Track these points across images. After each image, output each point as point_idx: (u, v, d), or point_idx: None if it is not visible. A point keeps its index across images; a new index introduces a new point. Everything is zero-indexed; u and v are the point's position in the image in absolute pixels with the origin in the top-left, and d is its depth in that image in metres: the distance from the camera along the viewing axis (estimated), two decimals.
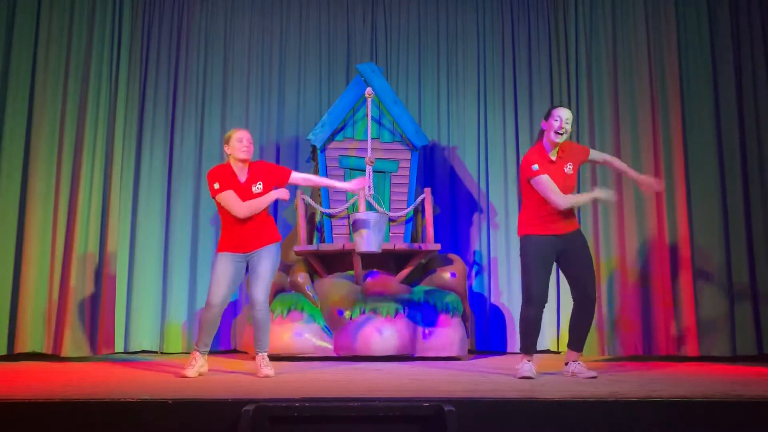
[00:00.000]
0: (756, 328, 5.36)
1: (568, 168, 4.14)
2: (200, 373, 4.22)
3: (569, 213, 4.17)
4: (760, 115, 5.60)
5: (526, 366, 4.04)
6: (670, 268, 5.51)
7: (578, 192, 4.30)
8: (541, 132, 4.21)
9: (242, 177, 4.31)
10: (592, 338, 5.56)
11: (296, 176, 4.50)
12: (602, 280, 5.63)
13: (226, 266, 4.27)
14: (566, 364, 4.21)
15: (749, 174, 5.56)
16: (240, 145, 4.27)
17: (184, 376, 4.11)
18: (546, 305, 4.17)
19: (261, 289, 4.28)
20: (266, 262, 4.30)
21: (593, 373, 4.08)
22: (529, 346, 4.13)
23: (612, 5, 5.97)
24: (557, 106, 4.17)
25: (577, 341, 4.21)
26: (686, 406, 2.95)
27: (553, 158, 4.12)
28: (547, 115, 4.14)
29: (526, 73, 6.62)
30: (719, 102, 5.67)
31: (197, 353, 4.25)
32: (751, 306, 5.39)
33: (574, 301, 4.21)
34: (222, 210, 4.32)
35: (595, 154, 4.35)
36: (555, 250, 4.14)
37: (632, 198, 5.68)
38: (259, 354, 4.32)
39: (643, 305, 5.53)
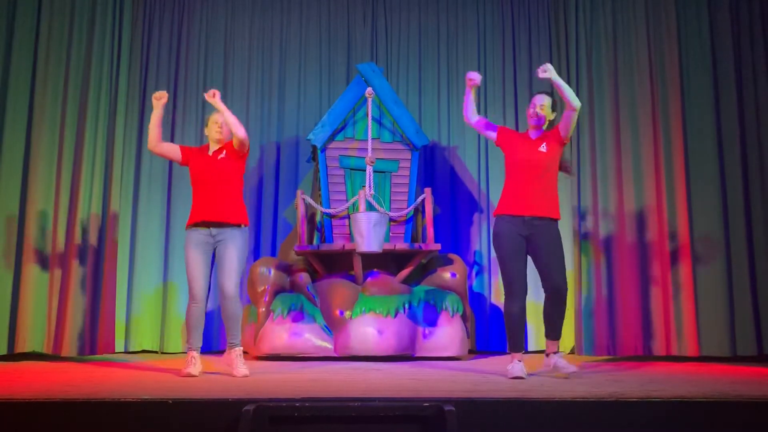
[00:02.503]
0: (756, 328, 5.35)
1: (543, 147, 4.21)
2: (199, 371, 4.21)
3: (543, 196, 4.16)
4: (760, 114, 5.59)
5: (517, 366, 4.02)
6: (671, 268, 5.51)
7: (555, 174, 4.28)
8: None
9: (211, 151, 4.45)
10: (591, 338, 5.58)
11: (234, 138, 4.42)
12: (602, 280, 5.63)
13: (196, 255, 4.27)
14: (547, 355, 4.18)
15: (749, 174, 5.55)
16: (214, 127, 4.44)
17: (190, 375, 4.11)
18: (526, 298, 4.16)
19: (229, 279, 4.25)
20: (231, 250, 4.27)
21: (574, 368, 4.08)
22: (516, 344, 4.11)
23: (612, 5, 5.97)
24: (536, 93, 4.39)
25: (552, 330, 4.18)
26: (686, 406, 2.94)
27: (533, 137, 4.28)
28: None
29: (527, 73, 6.62)
30: (720, 102, 5.66)
31: (193, 351, 4.24)
32: (751, 306, 5.38)
33: (545, 292, 4.19)
34: (191, 182, 4.43)
35: (561, 122, 4.29)
36: (523, 233, 4.13)
37: (632, 198, 5.68)
38: (235, 349, 4.25)
39: (643, 305, 5.53)
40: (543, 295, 4.24)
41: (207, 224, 4.30)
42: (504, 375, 4.07)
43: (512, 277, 4.10)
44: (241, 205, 4.41)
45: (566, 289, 4.17)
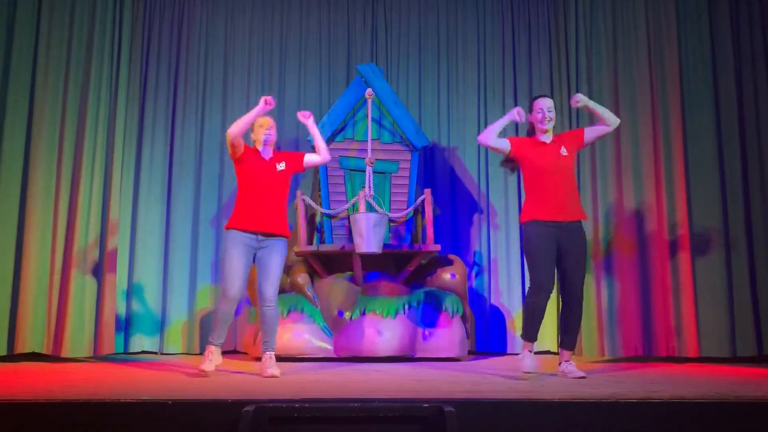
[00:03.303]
0: (756, 329, 5.36)
1: (563, 150, 4.21)
2: (216, 366, 4.25)
3: (571, 200, 4.18)
4: (760, 114, 5.59)
5: (528, 359, 4.05)
6: (671, 268, 5.51)
7: (575, 176, 4.35)
8: (531, 125, 4.36)
9: (266, 156, 4.45)
10: (592, 339, 5.58)
11: (309, 157, 4.59)
12: (602, 280, 5.63)
13: (239, 255, 4.26)
14: (560, 363, 4.24)
15: (750, 174, 5.55)
16: (262, 130, 4.43)
17: (203, 371, 4.13)
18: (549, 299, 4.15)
19: (271, 285, 4.29)
20: (276, 257, 4.32)
21: (582, 374, 4.09)
22: (532, 333, 4.12)
23: (612, 5, 5.98)
24: (537, 98, 4.33)
25: (568, 340, 4.23)
26: (686, 407, 2.94)
27: (547, 141, 4.25)
28: (531, 108, 4.32)
29: (527, 74, 6.62)
30: (719, 101, 5.67)
31: (213, 346, 4.26)
32: (751, 306, 5.39)
33: (562, 298, 4.21)
34: (239, 181, 4.42)
35: (589, 129, 4.35)
36: (556, 238, 4.14)
37: (632, 197, 5.68)
38: (267, 353, 4.31)
39: (643, 306, 5.53)
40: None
41: (255, 232, 4.32)
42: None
43: (543, 276, 4.08)
44: (285, 219, 4.46)
45: (582, 302, 4.20)
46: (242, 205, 4.36)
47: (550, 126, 4.24)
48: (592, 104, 4.26)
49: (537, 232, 4.13)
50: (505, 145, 4.28)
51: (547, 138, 4.26)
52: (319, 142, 4.57)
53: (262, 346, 4.34)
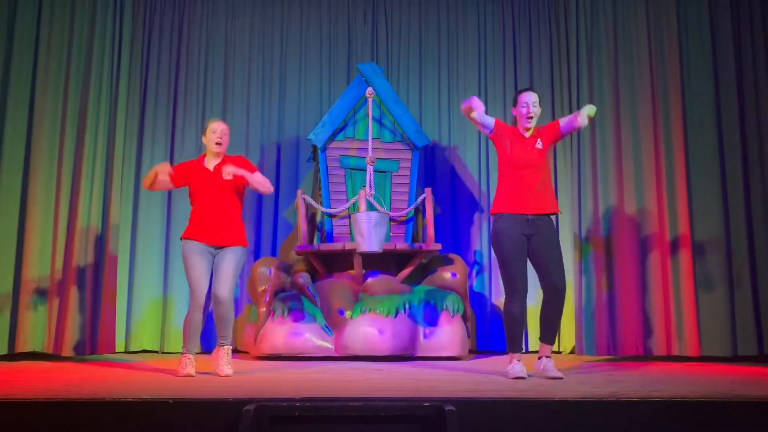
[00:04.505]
0: (757, 328, 5.35)
1: (539, 144, 4.17)
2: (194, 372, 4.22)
3: (541, 193, 4.13)
4: (761, 113, 5.59)
5: (517, 366, 4.01)
6: (671, 268, 5.51)
7: (550, 170, 4.28)
8: (514, 118, 4.31)
9: (211, 165, 4.33)
10: (592, 338, 5.58)
11: (254, 176, 4.32)
12: (603, 280, 5.63)
13: (200, 263, 4.23)
14: (539, 358, 4.14)
15: (750, 173, 5.55)
16: (214, 136, 4.32)
17: (189, 375, 4.11)
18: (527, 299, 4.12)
19: (225, 286, 4.22)
20: (230, 259, 4.25)
21: (560, 374, 3.99)
22: (515, 345, 4.09)
23: (613, 4, 5.97)
24: (521, 91, 4.26)
25: (548, 333, 4.14)
26: (686, 406, 2.94)
27: (526, 135, 4.20)
28: (515, 102, 4.27)
29: (527, 73, 6.63)
30: (720, 101, 5.66)
31: (189, 355, 4.22)
32: (751, 306, 5.38)
33: (543, 291, 4.15)
34: (191, 196, 4.35)
35: (564, 122, 4.22)
36: (525, 232, 4.10)
37: (633, 198, 5.68)
38: (224, 347, 4.25)
39: (643, 305, 5.53)
40: (539, 297, 4.20)
41: (208, 245, 4.29)
42: (504, 375, 4.07)
43: (514, 276, 4.06)
44: (241, 230, 4.37)
45: (564, 289, 4.13)
46: (194, 218, 4.31)
47: (532, 124, 4.19)
48: (586, 121, 4.12)
49: (505, 229, 4.09)
50: (490, 122, 4.20)
51: (528, 133, 4.21)
52: (254, 183, 4.29)
53: (218, 342, 4.27)
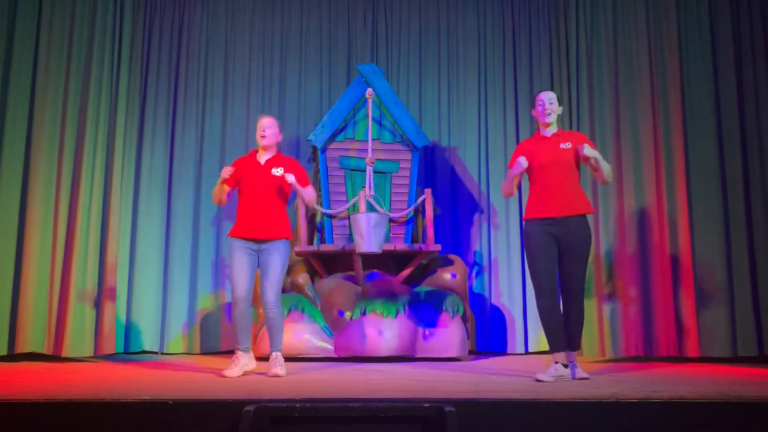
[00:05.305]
0: (757, 328, 5.35)
1: (566, 144, 4.15)
2: (245, 371, 4.26)
3: (571, 194, 4.09)
4: (760, 113, 5.58)
5: (551, 368, 3.95)
6: (671, 268, 5.51)
7: (577, 170, 4.18)
8: (536, 121, 4.35)
9: (262, 159, 4.43)
10: (592, 339, 5.58)
11: (306, 190, 4.46)
12: (603, 281, 5.62)
13: (240, 259, 4.30)
14: (565, 366, 4.03)
15: (750, 174, 5.55)
16: (258, 131, 4.44)
17: (224, 377, 4.11)
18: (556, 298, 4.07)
19: (271, 289, 4.29)
20: (276, 260, 4.32)
21: (585, 375, 4.02)
22: (552, 341, 4.02)
23: (613, 4, 5.97)
24: (539, 93, 4.29)
25: (570, 340, 4.08)
26: (686, 407, 2.94)
27: (548, 135, 4.20)
28: (533, 104, 4.33)
29: (527, 73, 6.63)
30: (720, 101, 5.66)
31: (239, 351, 4.29)
32: (752, 306, 5.38)
33: (561, 297, 4.12)
34: (239, 190, 4.44)
35: (588, 149, 4.11)
36: (554, 235, 4.06)
37: (633, 198, 5.68)
38: (273, 353, 4.32)
39: (643, 306, 5.53)
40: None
41: (252, 239, 4.33)
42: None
43: (538, 273, 4.03)
44: (285, 222, 4.44)
45: (582, 298, 4.09)
46: (239, 212, 4.40)
47: (551, 119, 4.18)
48: (600, 158, 4.09)
49: (535, 231, 4.08)
50: (521, 160, 4.12)
51: (550, 132, 4.20)
52: (304, 197, 4.48)
53: (270, 348, 4.35)
